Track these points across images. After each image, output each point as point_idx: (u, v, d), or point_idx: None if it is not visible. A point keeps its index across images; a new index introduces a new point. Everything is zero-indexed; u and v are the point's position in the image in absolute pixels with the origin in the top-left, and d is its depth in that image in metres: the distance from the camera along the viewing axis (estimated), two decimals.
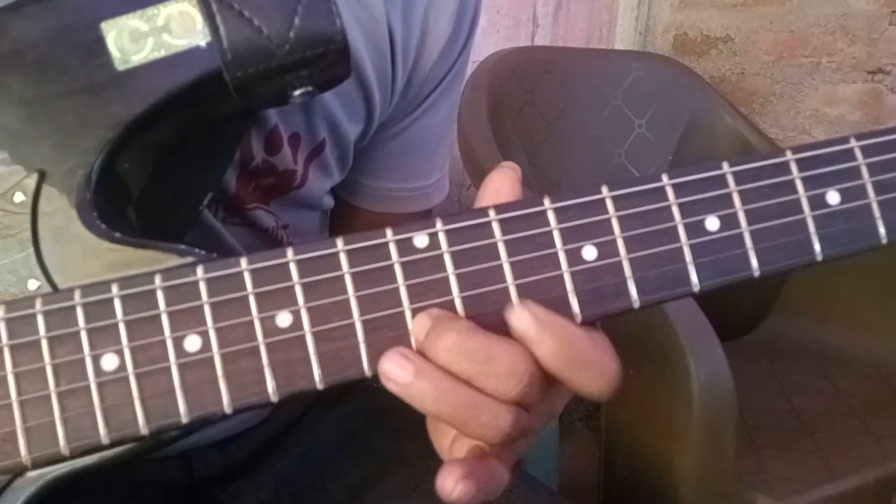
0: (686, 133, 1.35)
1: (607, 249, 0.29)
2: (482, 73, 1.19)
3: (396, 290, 0.28)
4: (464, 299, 0.28)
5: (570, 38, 1.57)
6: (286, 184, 0.49)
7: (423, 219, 0.29)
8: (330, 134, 0.48)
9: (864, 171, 0.30)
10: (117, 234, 0.29)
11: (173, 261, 0.29)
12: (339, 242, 0.28)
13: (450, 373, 0.27)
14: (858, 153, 0.30)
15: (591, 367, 0.28)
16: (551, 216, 0.29)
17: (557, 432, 0.88)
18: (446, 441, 0.32)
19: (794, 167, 0.30)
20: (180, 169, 0.36)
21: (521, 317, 0.27)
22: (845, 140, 0.30)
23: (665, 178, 0.29)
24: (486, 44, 1.39)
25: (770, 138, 1.34)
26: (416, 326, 0.28)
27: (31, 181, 0.29)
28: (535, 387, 0.28)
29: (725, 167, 0.29)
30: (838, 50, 1.36)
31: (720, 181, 0.29)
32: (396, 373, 0.27)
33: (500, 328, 0.28)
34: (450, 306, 0.28)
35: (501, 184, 0.31)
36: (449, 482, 0.27)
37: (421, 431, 0.54)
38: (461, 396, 0.27)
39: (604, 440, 0.95)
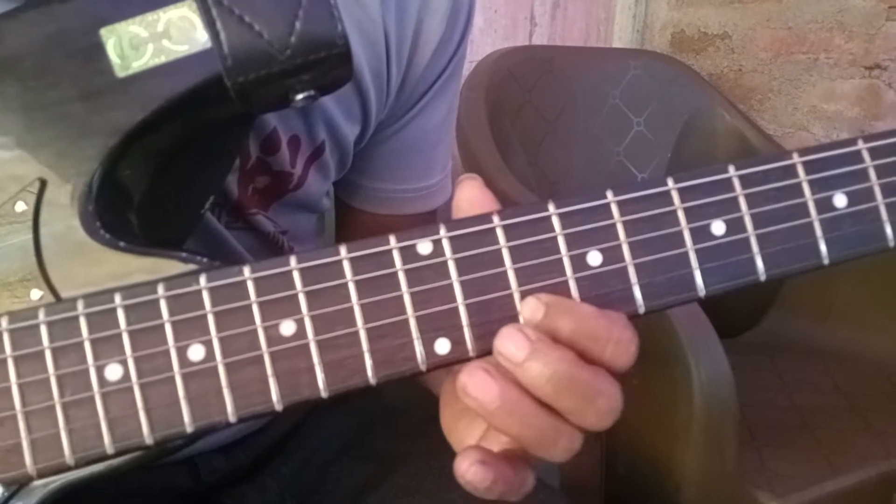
0: (685, 131, 1.35)
1: (612, 255, 0.28)
2: (480, 73, 1.19)
3: (400, 297, 0.28)
4: (468, 306, 0.28)
5: (567, 36, 1.56)
6: (282, 185, 0.49)
7: (427, 221, 0.29)
8: (329, 135, 0.48)
9: (872, 174, 0.29)
10: (121, 243, 0.28)
11: (176, 268, 0.29)
12: (343, 250, 0.28)
13: (537, 399, 0.28)
14: (866, 155, 0.29)
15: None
16: (556, 221, 0.29)
17: None
18: (470, 440, 0.31)
19: (800, 170, 0.29)
20: (181, 173, 0.36)
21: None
22: (853, 142, 0.30)
23: (671, 182, 0.29)
24: (483, 43, 1.39)
25: (768, 135, 1.33)
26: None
27: (32, 190, 0.29)
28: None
29: (731, 170, 0.29)
30: (836, 46, 1.36)
31: (726, 185, 0.29)
32: (482, 394, 0.27)
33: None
34: (454, 313, 0.28)
35: (473, 195, 0.30)
36: (464, 463, 0.28)
37: (423, 432, 0.55)
38: (545, 420, 0.28)
39: (605, 439, 0.95)
